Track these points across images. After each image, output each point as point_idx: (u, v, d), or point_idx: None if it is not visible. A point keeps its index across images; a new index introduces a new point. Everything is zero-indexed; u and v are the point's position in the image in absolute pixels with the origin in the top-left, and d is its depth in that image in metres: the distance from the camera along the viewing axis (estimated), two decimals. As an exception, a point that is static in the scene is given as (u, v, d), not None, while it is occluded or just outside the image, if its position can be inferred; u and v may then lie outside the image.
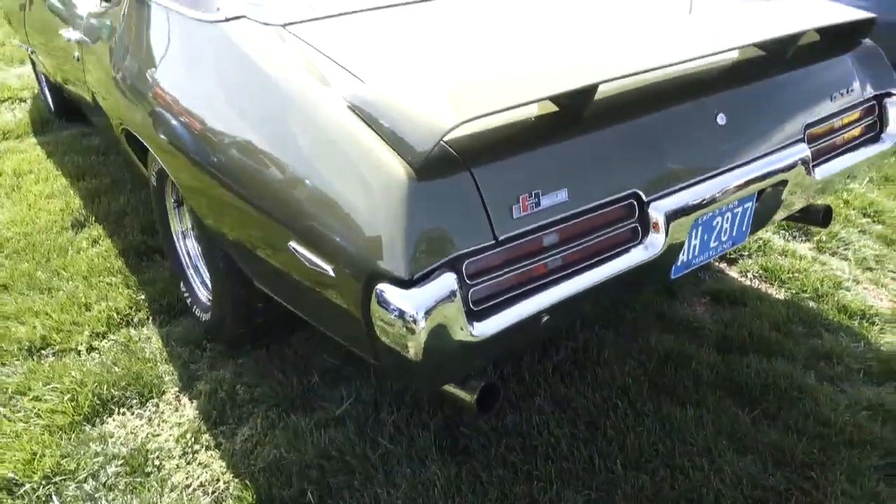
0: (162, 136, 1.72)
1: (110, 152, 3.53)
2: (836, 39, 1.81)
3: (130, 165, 2.65)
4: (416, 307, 1.07)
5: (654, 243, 1.38)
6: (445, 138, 1.12)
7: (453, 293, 1.10)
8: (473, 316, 1.16)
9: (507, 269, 1.20)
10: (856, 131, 1.88)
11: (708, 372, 2.00)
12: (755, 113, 1.57)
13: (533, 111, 1.28)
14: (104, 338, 2.13)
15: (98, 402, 1.87)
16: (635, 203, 1.37)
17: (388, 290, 1.09)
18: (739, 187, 1.51)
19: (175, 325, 2.19)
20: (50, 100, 4.16)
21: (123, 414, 1.85)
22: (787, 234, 2.78)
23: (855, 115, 1.86)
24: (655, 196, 1.39)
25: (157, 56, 1.82)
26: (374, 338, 1.18)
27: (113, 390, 1.90)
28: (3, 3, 4.18)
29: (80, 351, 2.06)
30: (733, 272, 2.55)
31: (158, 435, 1.79)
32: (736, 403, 1.90)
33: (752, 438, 1.79)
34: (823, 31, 1.79)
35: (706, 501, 1.61)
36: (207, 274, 2.13)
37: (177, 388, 1.94)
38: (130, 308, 2.25)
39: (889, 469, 1.71)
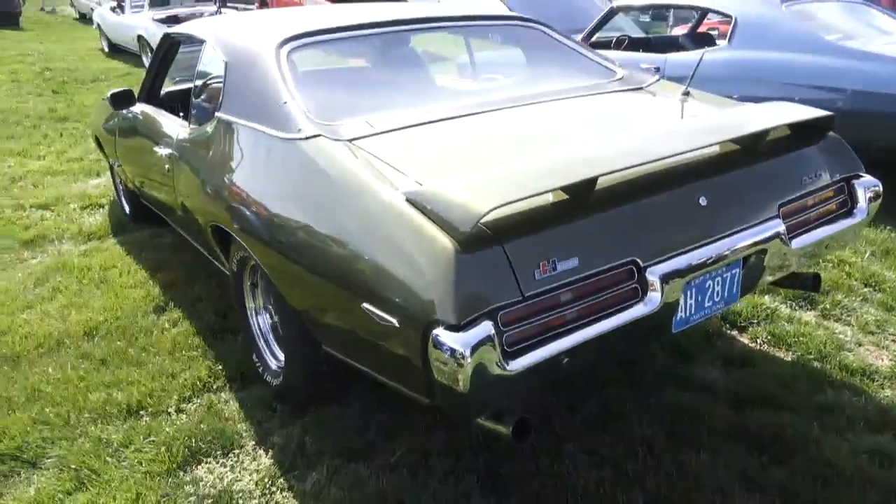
0: (255, 231, 2.12)
1: (180, 249, 4.00)
2: (804, 134, 2.16)
3: (206, 258, 3.09)
4: (463, 345, 1.40)
5: (653, 300, 1.70)
6: (482, 220, 1.48)
7: (491, 336, 1.43)
8: (507, 356, 1.48)
9: (532, 319, 1.53)
10: (831, 207, 2.21)
11: (721, 423, 2.24)
12: (731, 195, 1.92)
13: (549, 197, 1.64)
14: (189, 401, 2.47)
15: (188, 453, 2.18)
16: (634, 268, 1.70)
17: (442, 333, 1.43)
18: (721, 256, 1.83)
19: (249, 390, 2.52)
20: (126, 205, 4.72)
21: (209, 463, 2.16)
22: (793, 303, 3.05)
23: (827, 193, 2.19)
24: (651, 262, 1.72)
25: (248, 166, 2.27)
26: (429, 375, 1.50)
27: (200, 443, 2.22)
28: (94, 127, 4.84)
29: (170, 412, 2.40)
30: (744, 338, 2.81)
31: (240, 480, 2.09)
32: (747, 451, 2.13)
33: (761, 480, 2.01)
34: (793, 127, 2.14)
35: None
36: (277, 345, 2.49)
37: (254, 442, 2.25)
38: (210, 377, 2.60)
39: (886, 504, 1.90)
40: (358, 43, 2.77)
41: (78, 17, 19.10)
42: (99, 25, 12.78)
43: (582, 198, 1.64)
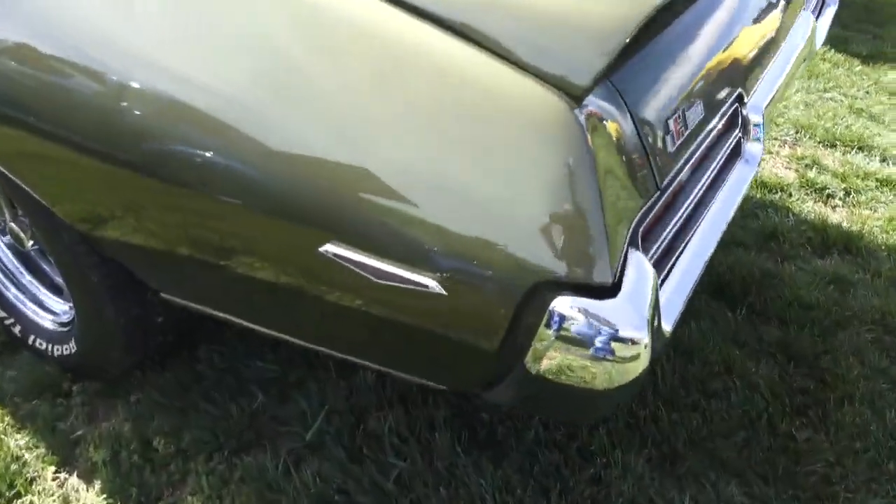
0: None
1: None
2: None
3: None
4: (637, 325, 0.65)
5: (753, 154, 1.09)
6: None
7: (655, 281, 0.70)
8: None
9: (666, 223, 0.83)
10: None
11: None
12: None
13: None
14: None
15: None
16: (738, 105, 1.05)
17: (581, 303, 0.65)
18: None
19: (5, 366, 1.45)
20: None
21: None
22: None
23: None
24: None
25: None
26: (521, 375, 0.74)
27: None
28: None
29: None
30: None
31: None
32: (723, 305, 1.79)
33: (756, 341, 1.69)
34: None
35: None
36: (47, 287, 1.42)
37: (53, 469, 1.27)
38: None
39: (883, 343, 1.72)
40: None
41: None
42: None
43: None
